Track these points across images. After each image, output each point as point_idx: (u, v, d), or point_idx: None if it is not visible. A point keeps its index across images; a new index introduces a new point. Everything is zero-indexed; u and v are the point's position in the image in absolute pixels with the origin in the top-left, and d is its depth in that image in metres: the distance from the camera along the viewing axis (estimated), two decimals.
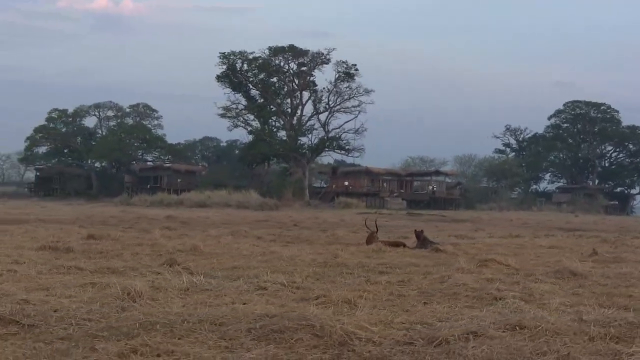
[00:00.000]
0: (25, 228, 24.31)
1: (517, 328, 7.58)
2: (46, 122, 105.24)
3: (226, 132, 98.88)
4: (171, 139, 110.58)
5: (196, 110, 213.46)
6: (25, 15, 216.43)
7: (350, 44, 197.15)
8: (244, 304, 8.82)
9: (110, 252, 15.82)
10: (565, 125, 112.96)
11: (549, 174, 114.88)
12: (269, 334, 6.92)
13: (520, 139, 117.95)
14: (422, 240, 20.27)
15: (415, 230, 21.40)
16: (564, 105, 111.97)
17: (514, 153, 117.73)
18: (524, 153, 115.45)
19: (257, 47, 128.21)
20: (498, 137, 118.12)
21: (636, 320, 8.14)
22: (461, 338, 7.00)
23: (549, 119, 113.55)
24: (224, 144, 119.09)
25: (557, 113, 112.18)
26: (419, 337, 7.09)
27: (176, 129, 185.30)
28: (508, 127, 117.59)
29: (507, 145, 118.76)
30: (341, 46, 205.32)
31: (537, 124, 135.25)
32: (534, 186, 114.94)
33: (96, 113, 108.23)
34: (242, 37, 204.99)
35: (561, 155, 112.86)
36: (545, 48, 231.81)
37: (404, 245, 19.91)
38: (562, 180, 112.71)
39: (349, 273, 12.81)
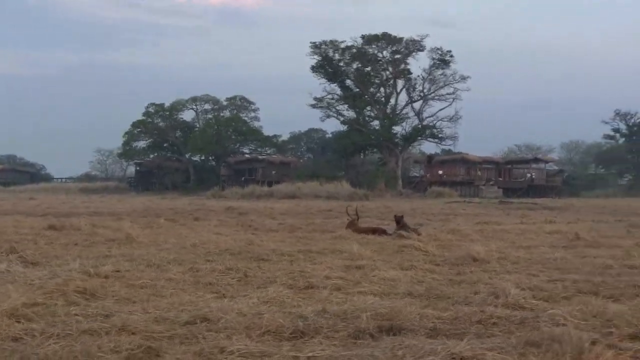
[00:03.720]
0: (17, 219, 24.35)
1: (198, 321, 6.65)
2: (144, 117, 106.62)
3: (332, 124, 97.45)
4: (278, 131, 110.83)
5: (302, 103, 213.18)
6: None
7: (457, 30, 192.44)
8: None
9: (23, 241, 15.36)
10: None
11: None
12: None
13: (631, 123, 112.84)
14: (402, 226, 19.62)
15: (395, 216, 20.74)
16: None
17: (624, 138, 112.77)
18: (635, 138, 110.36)
19: (348, 35, 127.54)
20: (607, 123, 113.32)
21: (410, 312, 7.07)
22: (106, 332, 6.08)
23: None
24: (329, 135, 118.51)
25: None
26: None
27: (284, 121, 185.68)
28: (617, 111, 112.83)
29: (617, 130, 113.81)
30: (438, 28, 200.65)
31: None
32: None
33: (193, 106, 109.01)
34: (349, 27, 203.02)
35: None
36: None
37: (383, 232, 19.42)
38: None
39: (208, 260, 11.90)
